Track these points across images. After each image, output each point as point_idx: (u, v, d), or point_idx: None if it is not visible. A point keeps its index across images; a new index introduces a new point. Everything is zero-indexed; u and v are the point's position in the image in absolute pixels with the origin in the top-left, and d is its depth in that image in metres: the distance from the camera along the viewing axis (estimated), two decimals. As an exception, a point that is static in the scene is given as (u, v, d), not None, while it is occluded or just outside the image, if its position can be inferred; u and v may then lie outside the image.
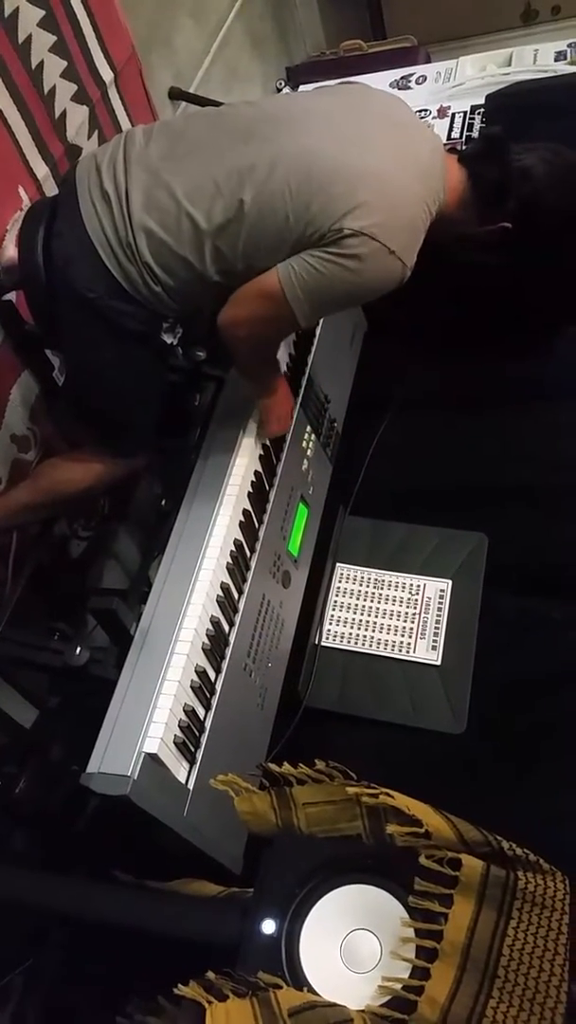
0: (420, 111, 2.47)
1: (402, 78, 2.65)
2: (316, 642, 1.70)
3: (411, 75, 2.65)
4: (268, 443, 1.63)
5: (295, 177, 1.26)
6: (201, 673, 1.34)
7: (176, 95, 2.34)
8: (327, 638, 1.71)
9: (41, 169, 1.68)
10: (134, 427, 1.55)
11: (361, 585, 1.77)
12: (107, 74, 1.87)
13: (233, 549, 1.47)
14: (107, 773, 1.18)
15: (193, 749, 1.31)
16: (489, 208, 1.39)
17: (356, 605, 1.74)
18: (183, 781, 1.29)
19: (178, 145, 1.37)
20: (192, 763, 1.31)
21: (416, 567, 1.78)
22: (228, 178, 1.29)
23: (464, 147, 1.44)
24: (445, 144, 2.30)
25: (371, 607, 1.74)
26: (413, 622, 1.70)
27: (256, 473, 1.58)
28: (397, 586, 1.75)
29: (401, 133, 1.35)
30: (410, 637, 1.69)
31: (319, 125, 1.33)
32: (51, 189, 1.68)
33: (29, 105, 1.63)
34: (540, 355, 1.92)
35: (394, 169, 1.29)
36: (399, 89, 2.63)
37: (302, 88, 2.87)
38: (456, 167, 1.40)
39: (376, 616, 1.72)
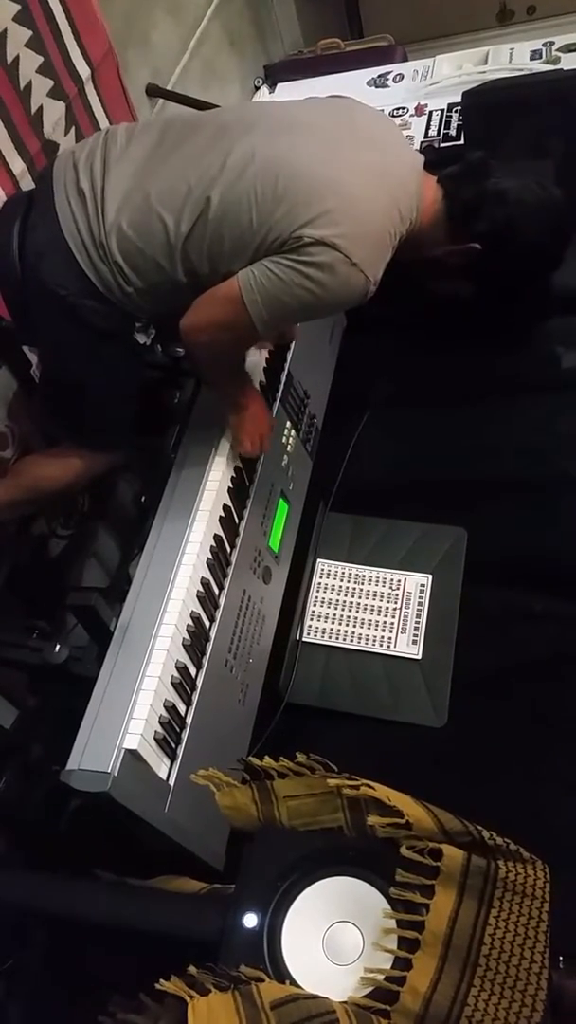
0: (398, 109, 2.48)
1: (379, 76, 2.67)
2: (297, 637, 1.70)
3: (388, 73, 2.67)
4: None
5: (262, 180, 1.25)
6: (182, 669, 1.34)
7: (154, 92, 2.33)
8: (308, 633, 1.71)
9: (17, 165, 1.67)
10: (110, 424, 1.55)
11: (342, 580, 1.77)
12: (84, 70, 1.86)
13: (213, 545, 1.47)
14: (87, 770, 1.18)
15: (174, 745, 1.31)
16: (458, 226, 1.38)
17: (337, 600, 1.74)
18: (164, 777, 1.28)
19: (158, 147, 1.36)
20: (173, 759, 1.31)
21: (396, 562, 1.78)
22: (200, 178, 1.28)
23: (448, 169, 1.43)
24: (422, 142, 2.34)
25: (352, 602, 1.74)
26: (394, 617, 1.71)
27: (236, 469, 1.58)
28: (378, 581, 1.76)
29: (379, 149, 1.33)
30: (391, 632, 1.69)
31: (297, 133, 1.32)
32: (28, 185, 1.68)
33: (5, 100, 1.62)
34: (516, 350, 1.93)
35: (364, 182, 1.28)
36: (376, 87, 2.64)
37: (280, 86, 2.89)
38: (433, 187, 1.39)
39: (357, 611, 1.72)
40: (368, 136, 1.35)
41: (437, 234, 1.40)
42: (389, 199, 1.30)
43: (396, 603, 1.72)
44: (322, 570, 1.79)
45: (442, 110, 2.40)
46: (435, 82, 2.53)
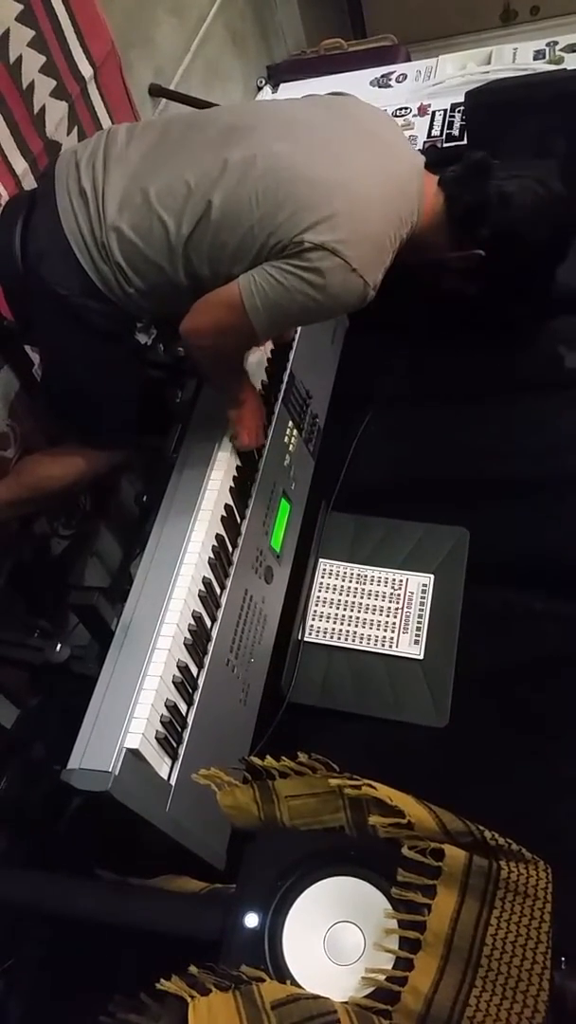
0: (401, 109, 2.48)
1: (382, 76, 2.66)
2: (299, 637, 1.70)
3: (391, 73, 2.66)
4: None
5: (264, 185, 1.25)
6: (183, 669, 1.33)
7: (156, 92, 2.33)
8: (310, 633, 1.71)
9: (20, 165, 1.67)
10: (112, 423, 1.55)
11: (344, 580, 1.76)
12: (87, 70, 1.87)
13: (215, 544, 1.47)
14: (88, 769, 1.17)
15: (175, 745, 1.31)
16: (461, 232, 1.37)
17: (339, 600, 1.74)
18: (165, 777, 1.28)
19: (158, 147, 1.36)
20: (174, 759, 1.30)
21: (398, 562, 1.78)
22: (201, 179, 1.28)
23: (449, 170, 1.41)
24: (425, 142, 2.33)
25: (354, 602, 1.73)
26: (396, 617, 1.70)
27: (238, 468, 1.58)
28: (380, 581, 1.75)
29: (381, 150, 1.33)
30: (393, 631, 1.69)
31: (299, 134, 1.31)
32: (30, 185, 1.68)
33: (7, 100, 1.62)
34: (519, 350, 1.93)
35: (366, 185, 1.27)
36: (380, 87, 2.64)
37: (283, 86, 2.88)
38: (435, 189, 1.38)
39: (359, 611, 1.72)
40: (369, 137, 1.34)
41: (439, 236, 1.39)
42: (390, 203, 1.30)
43: (398, 603, 1.72)
44: (324, 570, 1.79)
45: (445, 110, 2.40)
46: (438, 82, 2.53)
